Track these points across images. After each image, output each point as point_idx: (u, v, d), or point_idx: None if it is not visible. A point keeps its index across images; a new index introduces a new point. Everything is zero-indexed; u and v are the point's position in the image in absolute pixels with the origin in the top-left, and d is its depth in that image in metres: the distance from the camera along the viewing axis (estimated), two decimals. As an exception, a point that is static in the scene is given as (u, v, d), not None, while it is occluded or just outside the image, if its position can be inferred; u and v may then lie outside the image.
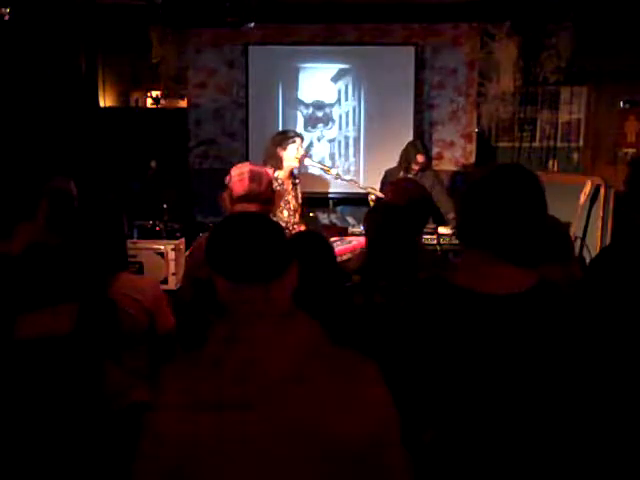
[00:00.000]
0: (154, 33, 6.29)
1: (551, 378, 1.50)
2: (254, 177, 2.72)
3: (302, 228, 4.15)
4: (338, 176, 4.21)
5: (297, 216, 4.25)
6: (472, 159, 6.46)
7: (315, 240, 2.18)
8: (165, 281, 3.70)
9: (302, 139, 4.22)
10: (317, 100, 6.42)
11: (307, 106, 6.45)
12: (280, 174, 4.13)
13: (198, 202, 6.40)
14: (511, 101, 6.35)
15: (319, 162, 4.87)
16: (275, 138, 4.20)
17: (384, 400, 1.30)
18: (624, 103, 6.21)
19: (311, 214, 5.31)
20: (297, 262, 1.37)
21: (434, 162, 6.22)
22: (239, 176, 2.73)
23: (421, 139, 5.82)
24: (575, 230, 3.67)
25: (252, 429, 1.23)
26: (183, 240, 3.99)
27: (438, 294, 1.60)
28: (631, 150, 6.08)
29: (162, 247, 3.78)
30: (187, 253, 3.37)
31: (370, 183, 4.56)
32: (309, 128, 6.43)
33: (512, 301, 1.51)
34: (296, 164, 4.18)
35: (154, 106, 6.88)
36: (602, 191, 4.24)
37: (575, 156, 6.52)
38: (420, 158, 5.11)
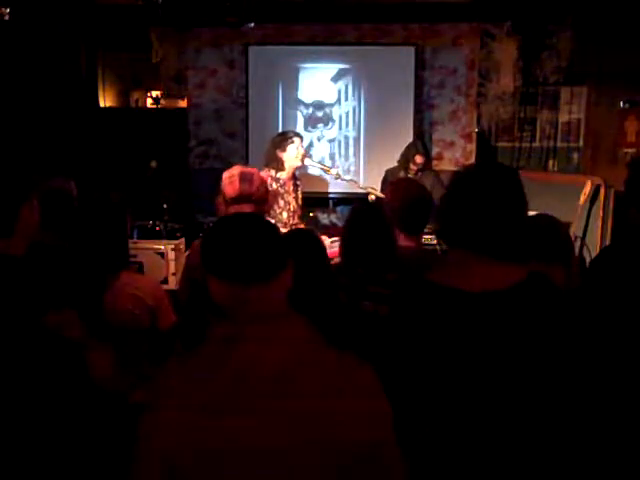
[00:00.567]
0: (154, 33, 6.31)
1: (536, 373, 1.49)
2: (244, 178, 2.78)
3: (302, 228, 4.15)
4: (338, 176, 4.22)
5: (296, 217, 4.25)
6: (472, 159, 6.46)
7: (306, 238, 2.16)
8: (165, 281, 3.70)
9: (301, 138, 4.22)
10: (317, 100, 6.42)
11: (307, 106, 6.44)
12: (282, 175, 4.14)
13: (198, 202, 6.38)
14: (511, 101, 6.36)
15: (319, 162, 4.87)
16: (274, 140, 4.21)
17: (380, 401, 1.30)
18: (624, 103, 6.20)
19: (311, 214, 5.31)
20: (292, 262, 1.36)
21: (434, 162, 6.22)
22: (229, 179, 2.80)
23: (421, 139, 5.82)
24: (575, 230, 3.67)
25: (250, 430, 1.22)
26: (183, 240, 3.99)
27: (422, 294, 1.60)
28: (631, 150, 6.06)
29: (162, 247, 3.78)
30: (187, 253, 3.38)
31: (370, 183, 4.57)
32: (309, 128, 6.43)
33: (494, 298, 1.51)
34: (299, 163, 4.17)
35: (154, 106, 6.88)
36: (602, 191, 4.23)
37: (575, 156, 6.51)
38: (419, 159, 5.11)
